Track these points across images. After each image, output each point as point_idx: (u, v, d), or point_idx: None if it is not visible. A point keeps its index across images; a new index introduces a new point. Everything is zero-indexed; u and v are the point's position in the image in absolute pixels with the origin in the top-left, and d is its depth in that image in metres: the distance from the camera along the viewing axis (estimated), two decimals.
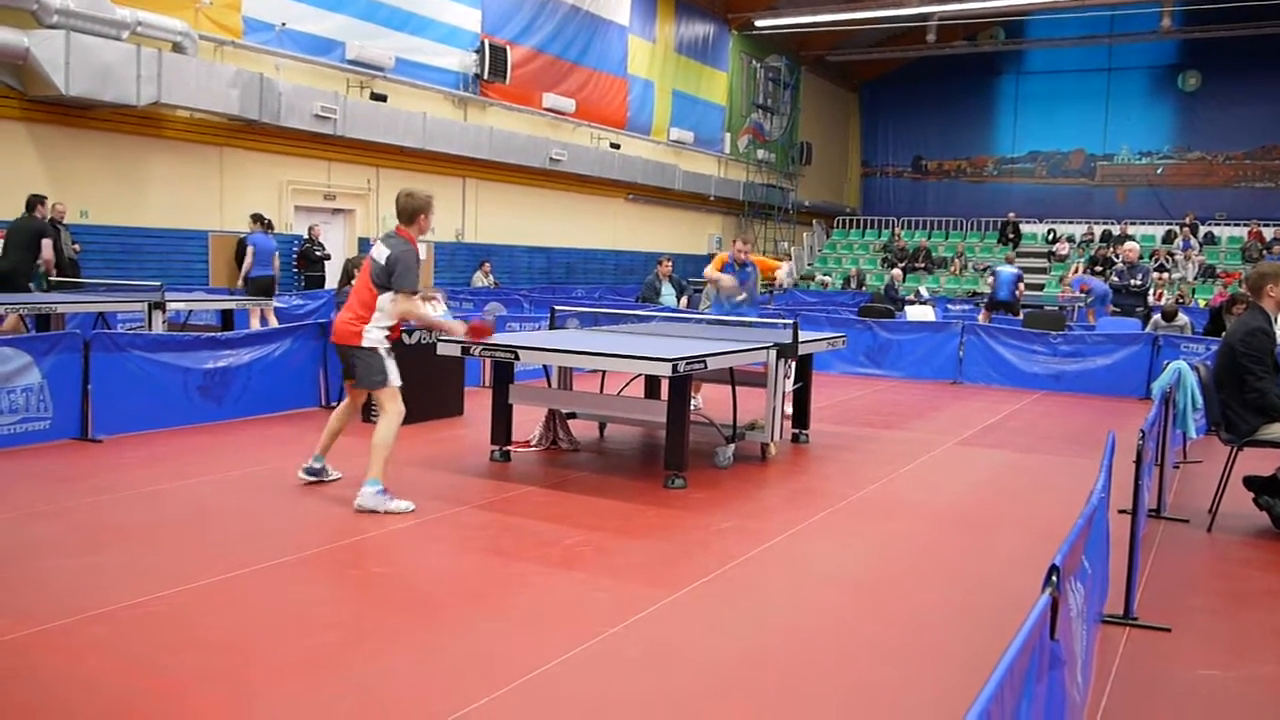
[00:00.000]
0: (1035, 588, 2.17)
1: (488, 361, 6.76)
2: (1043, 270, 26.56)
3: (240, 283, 13.27)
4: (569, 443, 7.36)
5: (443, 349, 6.67)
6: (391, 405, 5.61)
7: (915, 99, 32.81)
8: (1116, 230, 27.03)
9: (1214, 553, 5.35)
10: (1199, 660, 3.80)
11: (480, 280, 18.91)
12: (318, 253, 15.76)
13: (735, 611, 4.14)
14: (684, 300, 14.20)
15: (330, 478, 6.08)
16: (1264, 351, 5.57)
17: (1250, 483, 5.85)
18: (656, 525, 5.38)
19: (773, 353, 7.00)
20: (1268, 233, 25.48)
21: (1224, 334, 6.21)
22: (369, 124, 16.17)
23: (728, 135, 27.24)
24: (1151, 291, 14.44)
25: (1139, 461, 4.13)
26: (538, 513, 5.53)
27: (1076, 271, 23.64)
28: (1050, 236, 28.39)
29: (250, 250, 13.12)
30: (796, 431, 7.97)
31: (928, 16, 25.32)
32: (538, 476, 6.47)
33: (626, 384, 8.11)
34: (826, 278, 27.12)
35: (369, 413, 8.01)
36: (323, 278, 15.67)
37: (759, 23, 26.26)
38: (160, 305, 9.40)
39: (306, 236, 15.81)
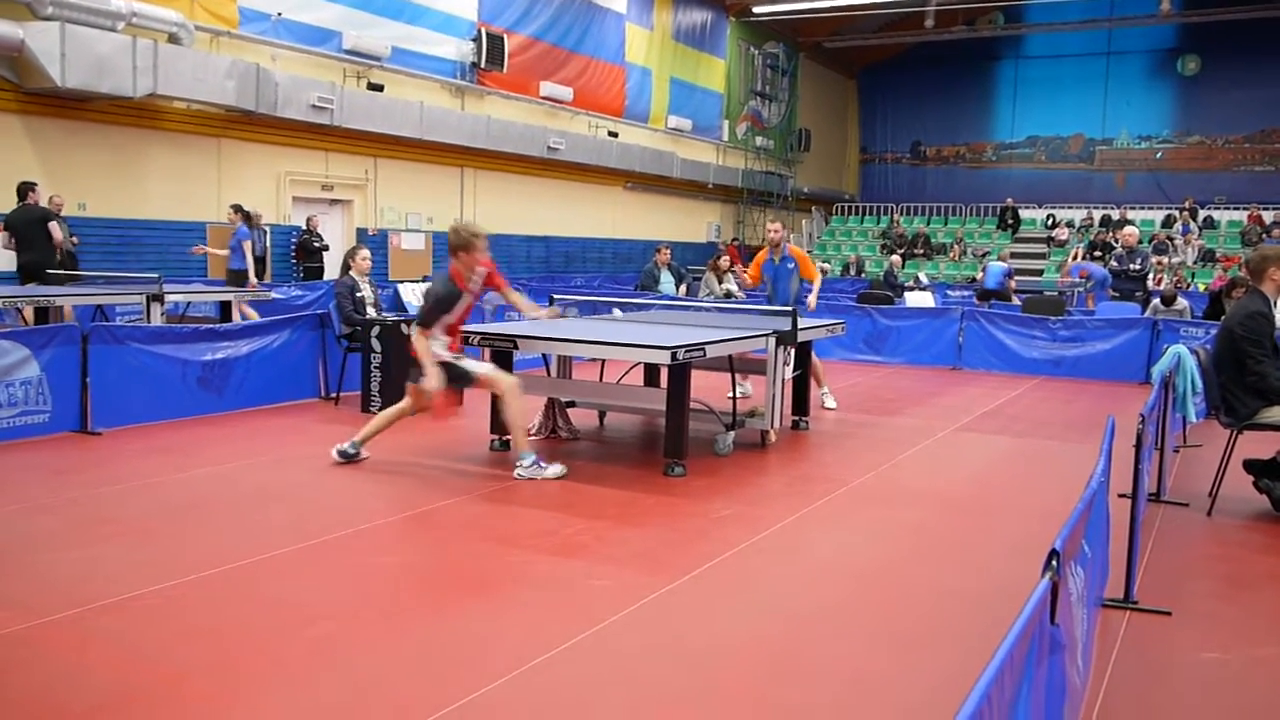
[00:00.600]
0: (1035, 572, 2.17)
1: (486, 351, 6.76)
2: (1042, 256, 26.53)
3: (251, 276, 13.15)
4: (568, 431, 7.36)
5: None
6: (501, 387, 6.10)
7: (914, 85, 32.73)
8: (1116, 215, 27.00)
9: (1214, 536, 5.35)
10: (1199, 643, 3.80)
11: None
12: (316, 244, 15.73)
13: (735, 599, 4.14)
14: (683, 288, 14.19)
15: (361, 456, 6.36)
16: (1263, 335, 5.56)
17: (1250, 466, 5.85)
18: (656, 513, 5.38)
19: (772, 340, 6.99)
20: (1267, 216, 25.44)
21: (1223, 318, 6.20)
22: (366, 114, 16.12)
23: (726, 123, 27.17)
24: (1151, 276, 14.43)
25: (1139, 446, 4.13)
26: (537, 502, 5.53)
27: (1075, 258, 23.62)
28: (1049, 222, 28.35)
29: (248, 245, 13.01)
30: (796, 419, 7.97)
31: (926, 1, 25.22)
32: None
33: (626, 372, 8.10)
34: (826, 265, 27.09)
35: (368, 405, 8.09)
36: (321, 269, 15.64)
37: (756, 9, 26.16)
38: (158, 297, 9.39)
39: (305, 227, 15.77)
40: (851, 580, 4.48)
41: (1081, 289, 18.35)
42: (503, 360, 6.81)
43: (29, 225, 10.66)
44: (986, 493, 6.21)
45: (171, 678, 3.26)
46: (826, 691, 3.32)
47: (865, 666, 3.53)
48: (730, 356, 7.09)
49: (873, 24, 29.52)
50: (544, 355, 7.36)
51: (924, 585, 4.38)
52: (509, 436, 6.80)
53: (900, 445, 7.45)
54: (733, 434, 7.00)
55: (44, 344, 6.87)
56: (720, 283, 13.31)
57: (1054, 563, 2.13)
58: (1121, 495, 5.06)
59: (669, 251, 14.29)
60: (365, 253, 8.81)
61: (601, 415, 8.06)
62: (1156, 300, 13.16)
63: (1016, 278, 18.43)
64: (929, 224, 29.76)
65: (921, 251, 27.30)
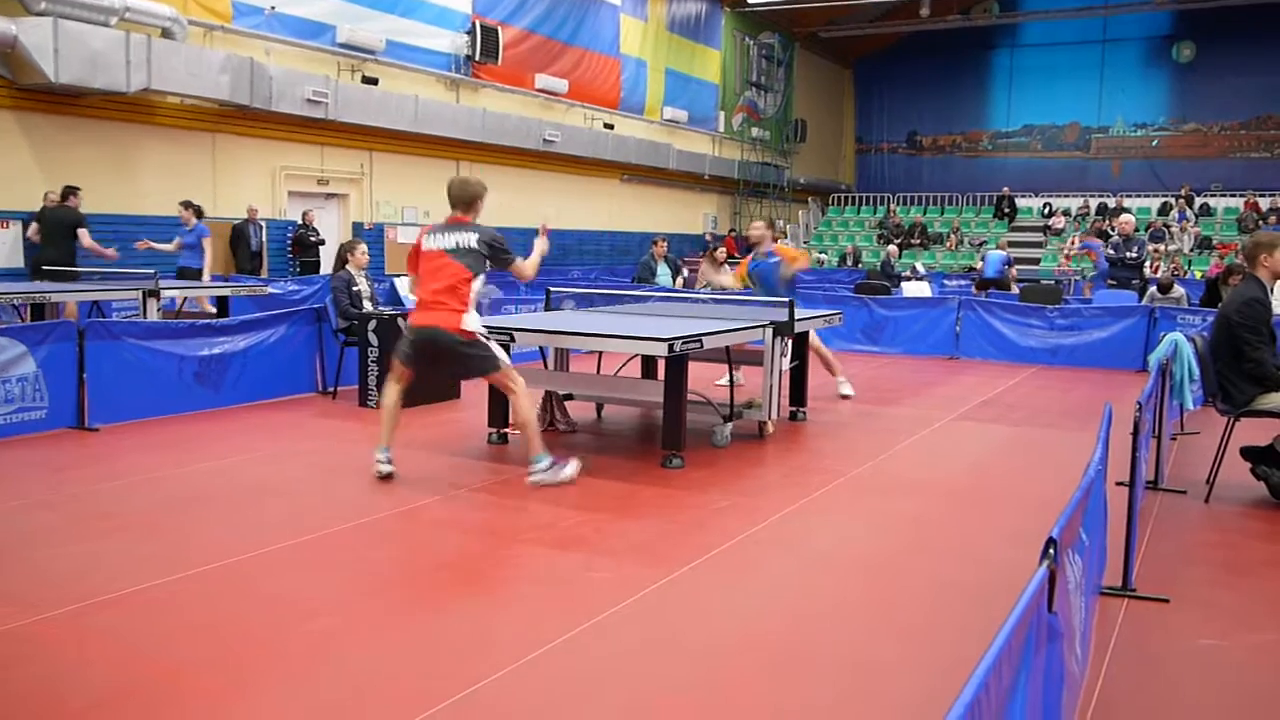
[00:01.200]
0: (1033, 561, 2.17)
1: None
2: (1039, 244, 26.54)
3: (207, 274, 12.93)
4: (566, 424, 7.36)
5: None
6: (513, 383, 5.69)
7: (909, 74, 32.68)
8: (1112, 203, 27.01)
9: (1212, 523, 5.36)
10: (1198, 630, 3.81)
11: None
12: (312, 238, 15.71)
13: (734, 590, 4.14)
14: (679, 280, 14.18)
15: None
16: (1260, 321, 5.57)
17: (1247, 453, 5.85)
18: (654, 505, 5.38)
19: (769, 331, 6.99)
20: (1264, 203, 25.44)
21: (1220, 305, 6.21)
22: (361, 108, 16.09)
23: (722, 114, 27.14)
24: (1148, 264, 14.43)
25: (1136, 433, 4.13)
26: (535, 494, 5.53)
27: (1074, 244, 23.66)
28: (1046, 210, 28.35)
29: (208, 242, 12.59)
30: (794, 409, 7.97)
31: None
32: None
33: (623, 364, 8.10)
34: (822, 255, 27.08)
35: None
36: (317, 263, 15.62)
37: None
38: (154, 293, 9.38)
39: (300, 222, 15.75)
40: (851, 570, 4.48)
41: (1080, 276, 18.41)
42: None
43: (58, 225, 11.05)
44: (985, 482, 6.21)
45: (171, 673, 3.26)
46: (828, 681, 3.33)
47: (864, 656, 3.54)
48: (728, 348, 7.09)
49: (868, 13, 29.47)
50: (541, 348, 7.35)
51: (923, 575, 4.39)
52: (507, 430, 6.81)
53: (898, 435, 7.45)
54: (730, 425, 7.00)
55: (40, 340, 6.86)
56: (717, 274, 13.30)
57: (1051, 551, 2.14)
58: (1119, 483, 5.06)
59: (666, 244, 14.28)
60: (363, 247, 8.80)
61: (599, 408, 8.06)
62: (1153, 288, 13.17)
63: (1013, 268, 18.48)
64: (925, 214, 29.77)
65: (918, 241, 27.30)
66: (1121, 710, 3.16)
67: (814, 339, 8.69)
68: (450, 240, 5.65)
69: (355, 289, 8.54)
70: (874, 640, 3.67)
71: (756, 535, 4.86)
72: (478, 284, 5.67)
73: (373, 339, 8.10)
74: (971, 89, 32.38)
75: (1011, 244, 24.09)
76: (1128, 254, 13.74)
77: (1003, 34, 31.52)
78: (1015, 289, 15.90)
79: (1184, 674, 3.48)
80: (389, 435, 5.81)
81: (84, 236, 11.08)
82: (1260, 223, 24.05)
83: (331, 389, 8.75)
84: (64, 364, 6.98)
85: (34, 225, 11.32)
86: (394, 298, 13.23)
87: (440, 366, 5.98)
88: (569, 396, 7.58)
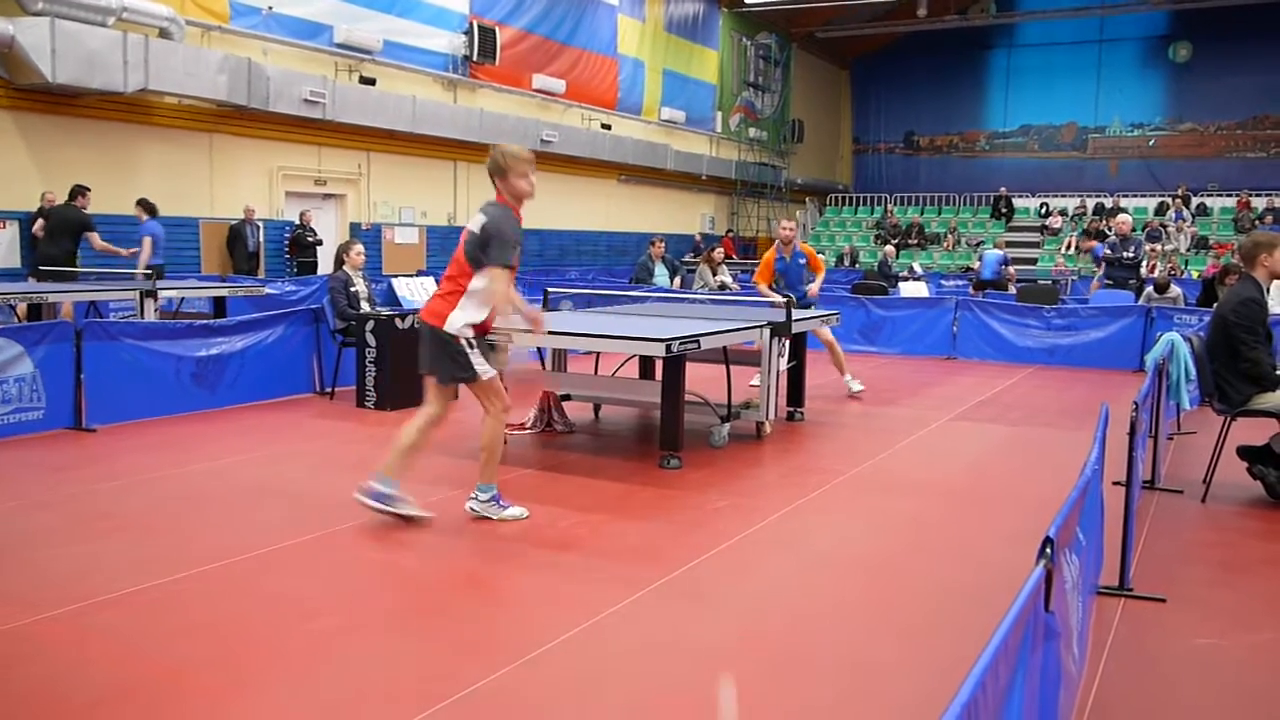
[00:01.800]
0: (1030, 560, 2.18)
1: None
2: (1035, 245, 26.56)
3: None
4: (563, 424, 7.36)
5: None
6: (490, 402, 4.96)
7: (907, 74, 32.70)
8: (1109, 203, 27.04)
9: (1208, 522, 5.37)
10: (1194, 629, 3.82)
11: None
12: (309, 238, 15.71)
13: (732, 590, 4.15)
14: (677, 281, 14.18)
15: (407, 511, 4.93)
16: (1256, 321, 5.58)
17: (1244, 452, 5.87)
18: (652, 506, 5.39)
19: (766, 331, 7.00)
20: (1258, 203, 25.47)
21: (1216, 304, 6.22)
22: (358, 108, 16.08)
23: (719, 114, 27.13)
24: (1144, 264, 14.44)
25: (1133, 433, 4.14)
26: (533, 495, 5.53)
27: (1070, 247, 23.72)
28: (1043, 210, 28.38)
29: (149, 241, 12.32)
30: (791, 410, 7.98)
31: None
32: (532, 459, 6.47)
33: (620, 365, 8.11)
34: (820, 256, 27.05)
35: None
36: (315, 263, 15.62)
37: None
38: (152, 293, 9.38)
39: (298, 222, 15.74)
40: (849, 570, 4.49)
41: (1077, 276, 18.46)
42: None
43: (63, 224, 11.09)
44: (983, 482, 6.22)
45: (171, 673, 3.26)
46: (826, 681, 3.33)
47: (862, 655, 3.54)
48: (725, 348, 7.10)
49: (866, 14, 29.48)
50: (539, 348, 7.35)
51: (922, 575, 4.40)
52: (508, 430, 6.80)
53: (896, 435, 7.46)
54: (728, 426, 7.01)
55: (37, 341, 6.86)
56: (714, 275, 13.30)
57: (1048, 550, 2.15)
58: (1116, 483, 5.07)
59: (663, 244, 14.28)
60: (359, 247, 8.81)
61: (596, 408, 8.06)
62: (1150, 288, 13.18)
63: (1011, 267, 18.50)
64: (923, 214, 29.78)
65: (915, 241, 27.30)
66: (1118, 709, 3.17)
67: (827, 334, 8.88)
68: (473, 222, 4.96)
69: (353, 290, 8.54)
70: (872, 640, 3.68)
71: (754, 535, 4.87)
72: (479, 280, 4.85)
73: (370, 340, 8.10)
74: (968, 89, 32.41)
75: (1009, 244, 24.14)
76: (1125, 254, 13.74)
77: (1000, 34, 31.55)
78: (1013, 289, 15.91)
79: (1181, 673, 3.49)
80: (393, 465, 4.95)
81: (94, 240, 11.15)
82: (1257, 223, 24.06)
83: (329, 389, 8.75)
84: (61, 364, 6.97)
85: (39, 222, 11.35)
86: (392, 298, 13.24)
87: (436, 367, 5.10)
88: (566, 397, 7.59)
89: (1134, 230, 15.15)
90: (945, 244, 27.13)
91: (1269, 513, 5.54)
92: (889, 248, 21.20)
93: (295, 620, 3.71)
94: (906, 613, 3.93)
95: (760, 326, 6.99)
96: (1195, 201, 26.46)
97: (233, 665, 3.33)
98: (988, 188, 30.00)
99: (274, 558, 4.41)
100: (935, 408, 8.73)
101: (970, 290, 16.96)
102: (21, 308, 9.69)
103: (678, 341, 5.91)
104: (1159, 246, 22.46)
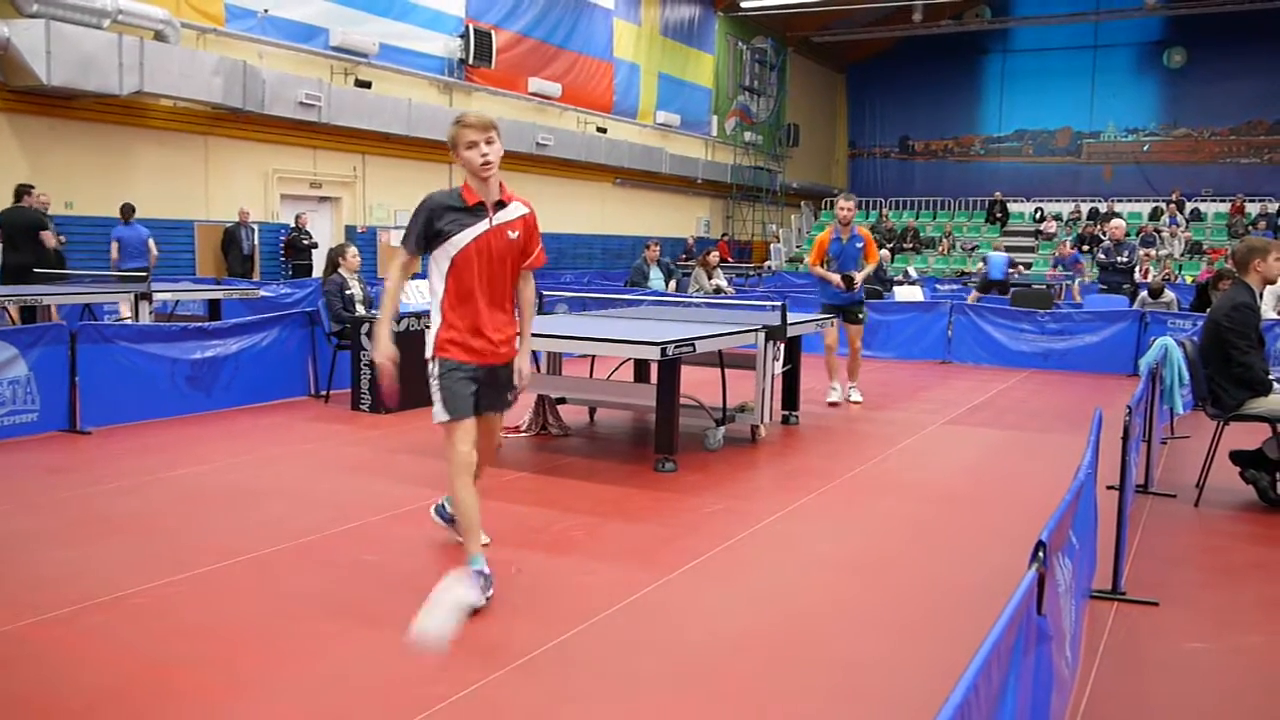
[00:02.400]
0: (1024, 564, 2.19)
1: None
2: (1030, 249, 26.61)
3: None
4: (558, 428, 7.37)
5: None
6: (449, 449, 3.92)
7: (902, 79, 32.78)
8: (1103, 208, 27.11)
9: (1201, 527, 5.39)
10: (1187, 633, 3.83)
11: None
12: (305, 241, 15.70)
13: (727, 592, 4.15)
14: (672, 284, 14.20)
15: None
16: (1249, 326, 5.60)
17: (1237, 457, 5.88)
18: (647, 509, 5.39)
19: (761, 335, 7.01)
20: (1252, 208, 25.55)
21: (1209, 310, 6.24)
22: (354, 111, 16.10)
23: (714, 118, 27.17)
24: (1138, 268, 14.49)
25: (1126, 437, 4.15)
26: (528, 498, 5.53)
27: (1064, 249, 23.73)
28: (1037, 215, 28.44)
29: (115, 245, 12.38)
30: (786, 413, 7.99)
31: None
32: (527, 462, 6.48)
33: (616, 368, 8.11)
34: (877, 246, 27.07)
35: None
36: (310, 266, 15.62)
37: (745, 4, 26.17)
38: (147, 296, 9.37)
39: (293, 225, 15.74)
40: (844, 573, 4.50)
41: (1069, 282, 18.48)
42: None
43: (21, 228, 10.61)
44: (977, 485, 6.23)
45: (165, 675, 3.26)
46: (821, 682, 3.34)
47: (856, 658, 3.55)
48: (720, 352, 7.11)
49: (861, 18, 29.55)
50: (534, 352, 7.35)
51: (915, 577, 4.41)
52: (505, 431, 6.80)
53: (890, 439, 7.47)
54: (723, 429, 7.01)
55: (31, 343, 6.84)
56: (710, 278, 13.32)
57: (1040, 554, 2.15)
58: (1109, 487, 5.09)
59: (659, 248, 14.30)
60: (353, 250, 8.81)
61: (592, 411, 8.06)
62: (1144, 293, 13.22)
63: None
64: (918, 218, 29.84)
65: (910, 245, 27.35)
66: (1111, 712, 3.18)
67: (857, 341, 8.95)
68: None
69: (348, 293, 8.54)
70: (867, 642, 3.68)
71: (750, 538, 4.88)
72: (430, 282, 4.22)
73: (365, 343, 8.10)
74: (964, 94, 32.50)
75: (1006, 249, 24.15)
76: (1118, 259, 13.80)
77: (995, 39, 31.64)
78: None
79: (1173, 677, 3.50)
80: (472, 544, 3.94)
81: (47, 238, 10.64)
82: (1250, 228, 24.14)
83: (324, 393, 8.74)
84: (55, 367, 6.96)
85: None
86: None
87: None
88: (562, 400, 7.59)
89: (1128, 235, 15.19)
90: (940, 248, 27.18)
91: (1261, 517, 5.56)
92: (884, 252, 21.23)
93: (291, 623, 3.71)
94: (901, 615, 3.94)
95: (755, 330, 6.99)
96: (1189, 206, 26.54)
97: (228, 668, 3.32)
98: (983, 192, 30.06)
99: (267, 560, 4.41)
100: (930, 412, 8.75)
101: (975, 291, 16.97)
102: (14, 310, 9.64)
103: (673, 345, 5.92)
104: (1153, 251, 22.54)
